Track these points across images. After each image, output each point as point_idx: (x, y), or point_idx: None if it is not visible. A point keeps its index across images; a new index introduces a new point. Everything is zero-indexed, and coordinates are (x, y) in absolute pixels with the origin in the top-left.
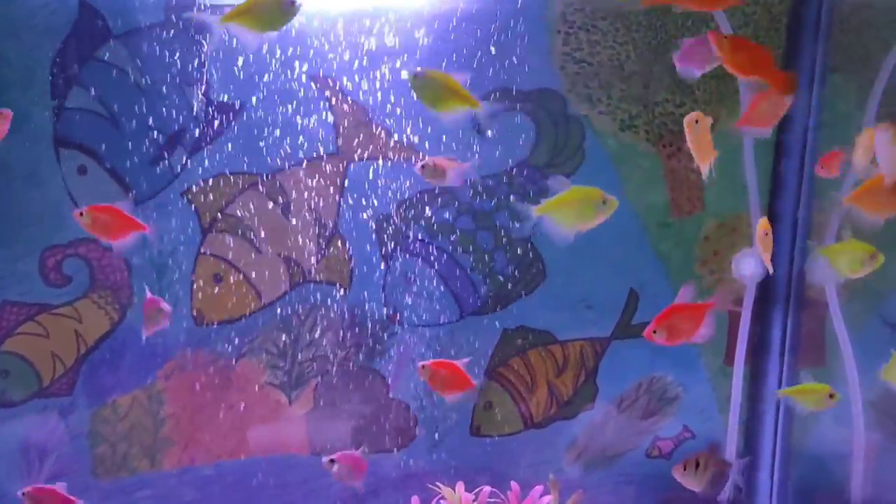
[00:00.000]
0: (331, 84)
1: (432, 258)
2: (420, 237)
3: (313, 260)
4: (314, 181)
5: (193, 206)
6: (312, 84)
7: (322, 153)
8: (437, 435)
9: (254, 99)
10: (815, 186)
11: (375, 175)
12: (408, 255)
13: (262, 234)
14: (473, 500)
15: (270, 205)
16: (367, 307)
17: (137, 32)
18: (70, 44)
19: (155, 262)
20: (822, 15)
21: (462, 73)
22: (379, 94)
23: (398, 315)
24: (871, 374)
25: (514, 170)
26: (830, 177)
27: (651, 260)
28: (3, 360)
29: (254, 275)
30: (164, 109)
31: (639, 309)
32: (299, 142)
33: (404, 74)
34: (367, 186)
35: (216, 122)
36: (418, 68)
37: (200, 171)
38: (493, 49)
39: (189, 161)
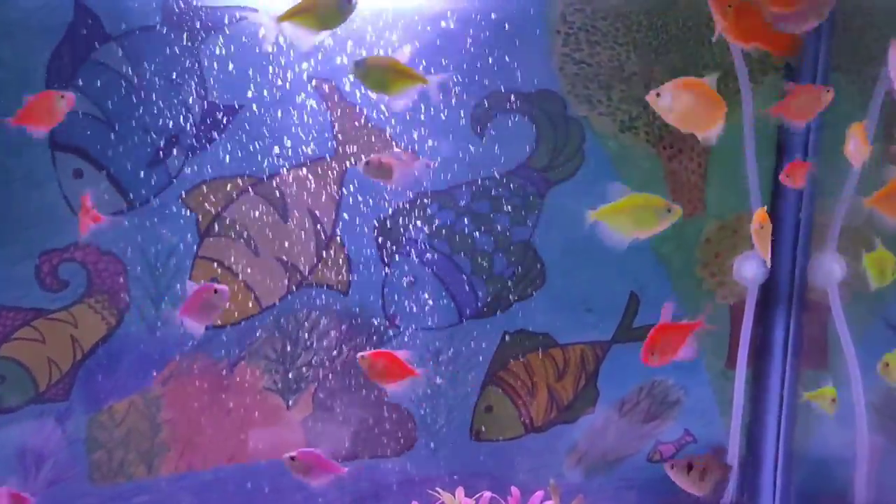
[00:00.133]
0: (328, 85)
1: (431, 261)
2: (419, 240)
3: (311, 263)
4: (312, 184)
5: (191, 209)
6: (310, 85)
7: (320, 155)
8: (436, 440)
9: (251, 101)
10: (817, 187)
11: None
12: (407, 259)
13: (260, 238)
14: None
15: (268, 208)
16: (365, 311)
17: (134, 34)
18: (66, 45)
19: (152, 267)
20: None
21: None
22: (377, 95)
23: (397, 319)
24: (874, 377)
25: (514, 172)
26: (795, 187)
27: (652, 262)
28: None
29: (252, 279)
30: (160, 112)
31: (640, 312)
32: (297, 144)
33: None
34: (365, 189)
35: (214, 125)
36: (357, 58)
37: (198, 175)
38: (491, 50)
39: (186, 164)
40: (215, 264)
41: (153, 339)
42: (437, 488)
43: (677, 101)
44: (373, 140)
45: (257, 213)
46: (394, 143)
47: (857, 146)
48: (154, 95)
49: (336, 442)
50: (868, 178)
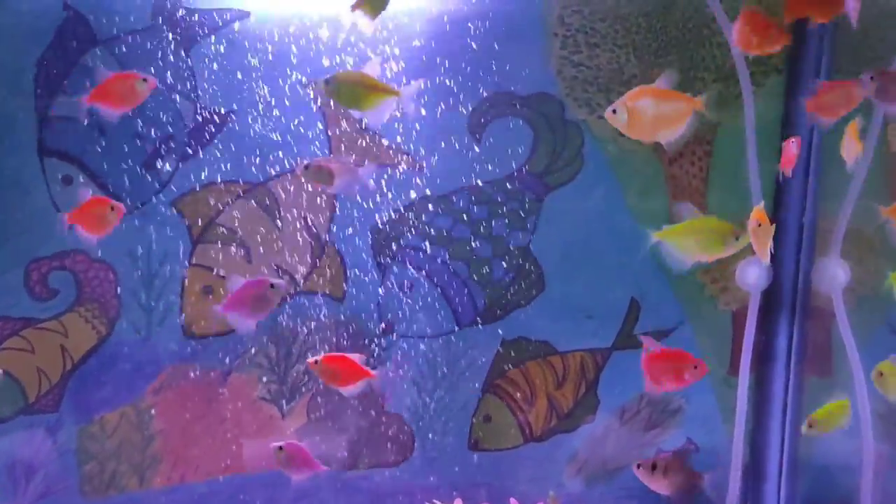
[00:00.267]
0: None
1: (428, 268)
2: (416, 246)
3: (306, 270)
4: (306, 190)
5: (183, 216)
6: (303, 90)
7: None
8: (434, 449)
9: (244, 106)
10: (821, 191)
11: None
12: (403, 265)
13: (254, 245)
14: None
15: (262, 214)
16: (361, 318)
17: (123, 38)
18: (54, 50)
19: (143, 274)
20: None
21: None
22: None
23: (393, 327)
24: None
25: (512, 176)
26: (791, 166)
27: (652, 268)
28: None
29: None
30: (151, 117)
31: (640, 319)
32: (291, 149)
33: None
34: (361, 194)
35: (205, 130)
36: (326, 75)
37: (190, 180)
38: (488, 53)
39: (178, 170)
40: (208, 272)
41: (145, 348)
42: (435, 500)
43: (636, 114)
44: (367, 145)
45: (250, 220)
46: (389, 148)
47: (848, 144)
48: (145, 101)
49: (332, 451)
50: (872, 181)
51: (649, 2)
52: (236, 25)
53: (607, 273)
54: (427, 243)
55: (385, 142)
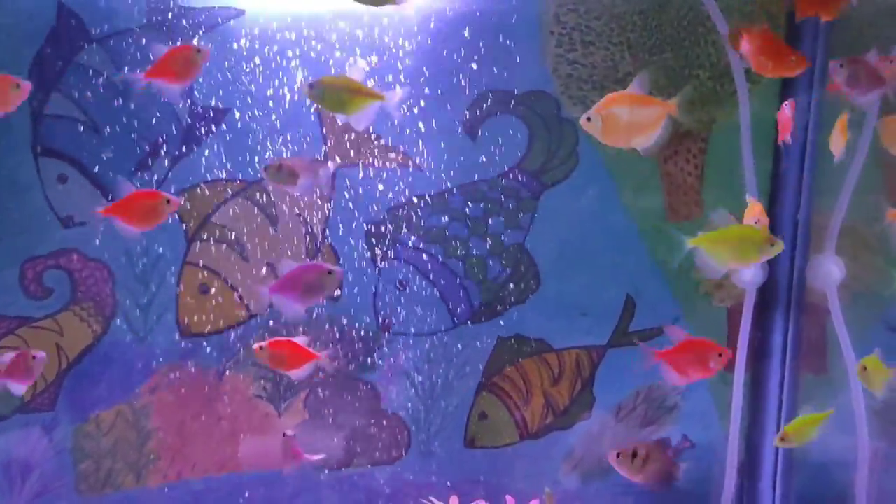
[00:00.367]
0: None
1: (424, 265)
2: (411, 244)
3: None
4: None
5: (178, 214)
6: (299, 88)
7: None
8: (430, 447)
9: (239, 104)
10: (815, 187)
11: (365, 180)
12: (399, 263)
13: (249, 243)
14: None
15: (257, 212)
16: (356, 316)
17: (117, 36)
18: (48, 48)
19: (139, 273)
20: None
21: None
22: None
23: (389, 324)
24: None
25: (507, 174)
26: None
27: (648, 266)
28: None
29: (241, 285)
30: (146, 115)
31: (636, 316)
32: (286, 147)
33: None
34: (356, 192)
35: (200, 128)
36: (311, 80)
37: (185, 179)
38: (484, 51)
39: (173, 168)
40: (204, 270)
41: (140, 346)
42: (431, 497)
43: (610, 121)
44: (362, 143)
45: (246, 218)
46: (385, 146)
47: (835, 136)
48: (139, 98)
49: (329, 450)
50: (867, 177)
51: (644, 0)
52: (231, 23)
53: (602, 270)
54: (422, 241)
55: (381, 140)
